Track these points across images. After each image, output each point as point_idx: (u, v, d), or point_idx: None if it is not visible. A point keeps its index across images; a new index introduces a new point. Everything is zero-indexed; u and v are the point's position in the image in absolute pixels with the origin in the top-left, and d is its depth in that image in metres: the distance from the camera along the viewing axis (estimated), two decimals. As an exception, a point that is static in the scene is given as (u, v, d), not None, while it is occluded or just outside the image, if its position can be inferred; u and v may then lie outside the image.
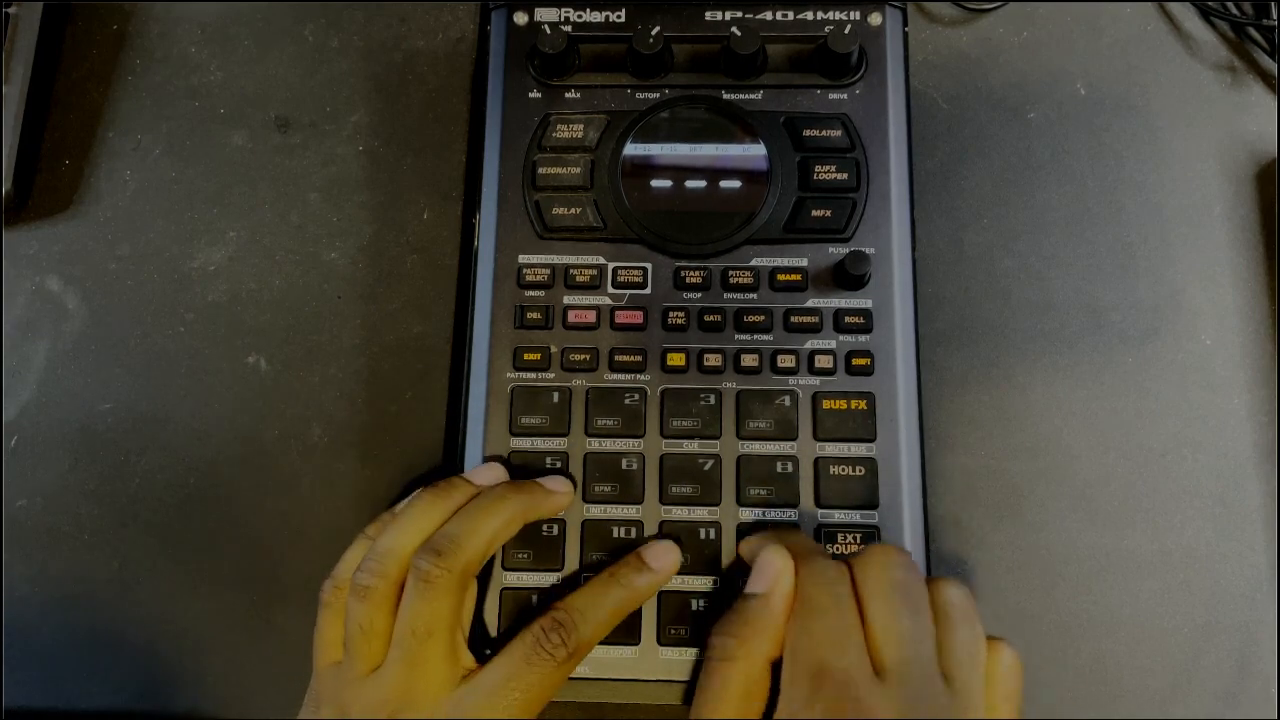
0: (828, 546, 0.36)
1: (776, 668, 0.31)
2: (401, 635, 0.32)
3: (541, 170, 0.40)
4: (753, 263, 0.39)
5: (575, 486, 0.37)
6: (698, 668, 0.35)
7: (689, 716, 0.32)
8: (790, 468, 0.36)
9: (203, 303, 0.43)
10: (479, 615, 0.36)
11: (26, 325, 0.43)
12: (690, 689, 0.35)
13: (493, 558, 0.36)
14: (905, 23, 0.41)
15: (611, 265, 0.39)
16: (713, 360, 0.38)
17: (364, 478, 0.41)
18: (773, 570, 0.32)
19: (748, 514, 0.36)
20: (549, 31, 0.39)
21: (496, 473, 0.36)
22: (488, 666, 0.32)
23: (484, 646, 0.35)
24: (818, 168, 0.39)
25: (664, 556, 0.35)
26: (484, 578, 0.36)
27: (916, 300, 0.38)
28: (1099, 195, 0.43)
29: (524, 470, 0.37)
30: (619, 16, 0.41)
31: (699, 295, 0.38)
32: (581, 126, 0.40)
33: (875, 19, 0.41)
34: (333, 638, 0.34)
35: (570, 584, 0.36)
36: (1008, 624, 0.38)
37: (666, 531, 0.36)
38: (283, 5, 0.46)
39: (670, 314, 0.38)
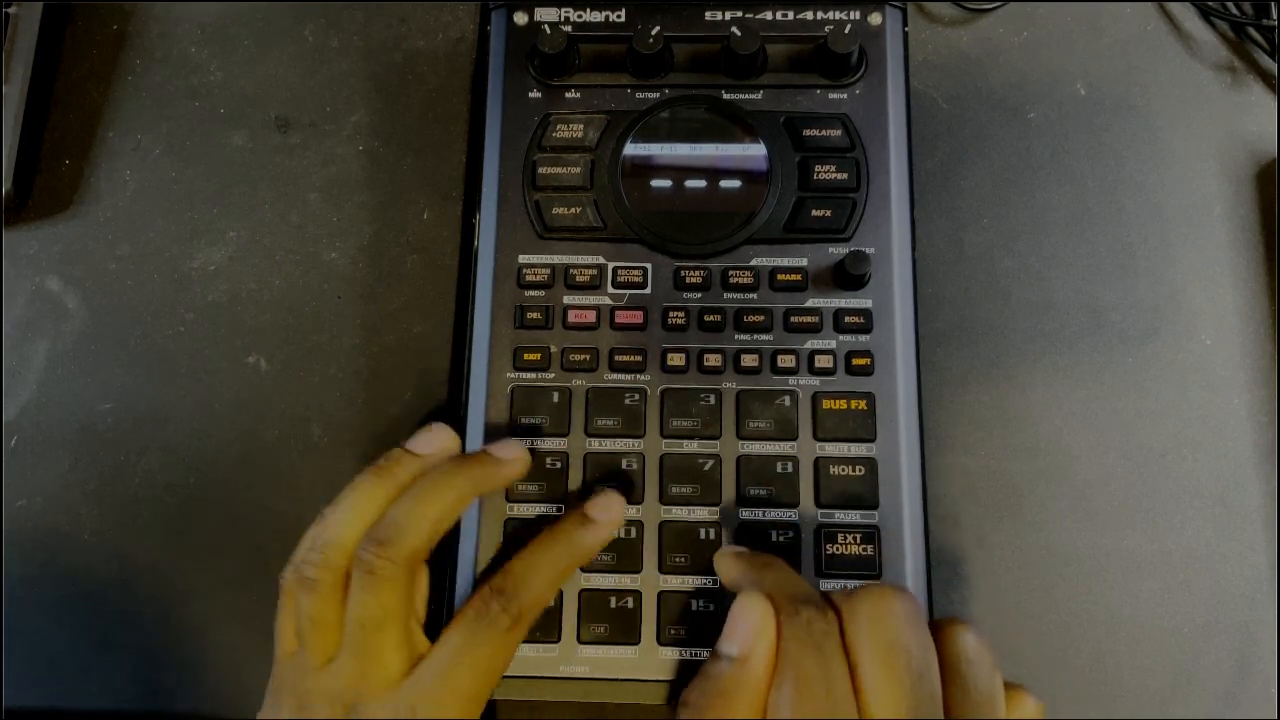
0: (827, 547, 0.36)
1: None
2: (351, 628, 0.31)
3: (541, 170, 0.40)
4: (753, 263, 0.39)
5: (535, 457, 0.36)
6: (686, 669, 0.35)
7: None
8: (790, 468, 0.36)
9: (203, 303, 0.43)
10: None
11: (26, 325, 0.43)
12: (676, 690, 0.35)
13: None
14: (905, 23, 0.41)
15: (611, 265, 0.39)
16: (713, 360, 0.38)
17: (364, 478, 0.40)
18: (750, 628, 0.28)
19: (748, 514, 0.36)
20: (549, 31, 0.39)
21: (442, 438, 0.34)
22: (434, 648, 0.31)
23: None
24: (818, 168, 0.39)
25: (609, 508, 0.34)
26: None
27: (916, 300, 0.38)
28: (1099, 195, 0.43)
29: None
30: (619, 16, 0.41)
31: (699, 295, 0.38)
32: (581, 126, 0.40)
33: (875, 19, 0.41)
34: (291, 626, 0.32)
35: (570, 583, 0.36)
36: (1008, 624, 0.38)
37: (665, 529, 0.36)
38: (283, 5, 0.46)
39: (670, 314, 0.38)
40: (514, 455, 0.34)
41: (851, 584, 0.34)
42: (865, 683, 0.27)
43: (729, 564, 0.33)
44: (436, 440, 0.34)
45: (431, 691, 0.30)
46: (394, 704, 0.30)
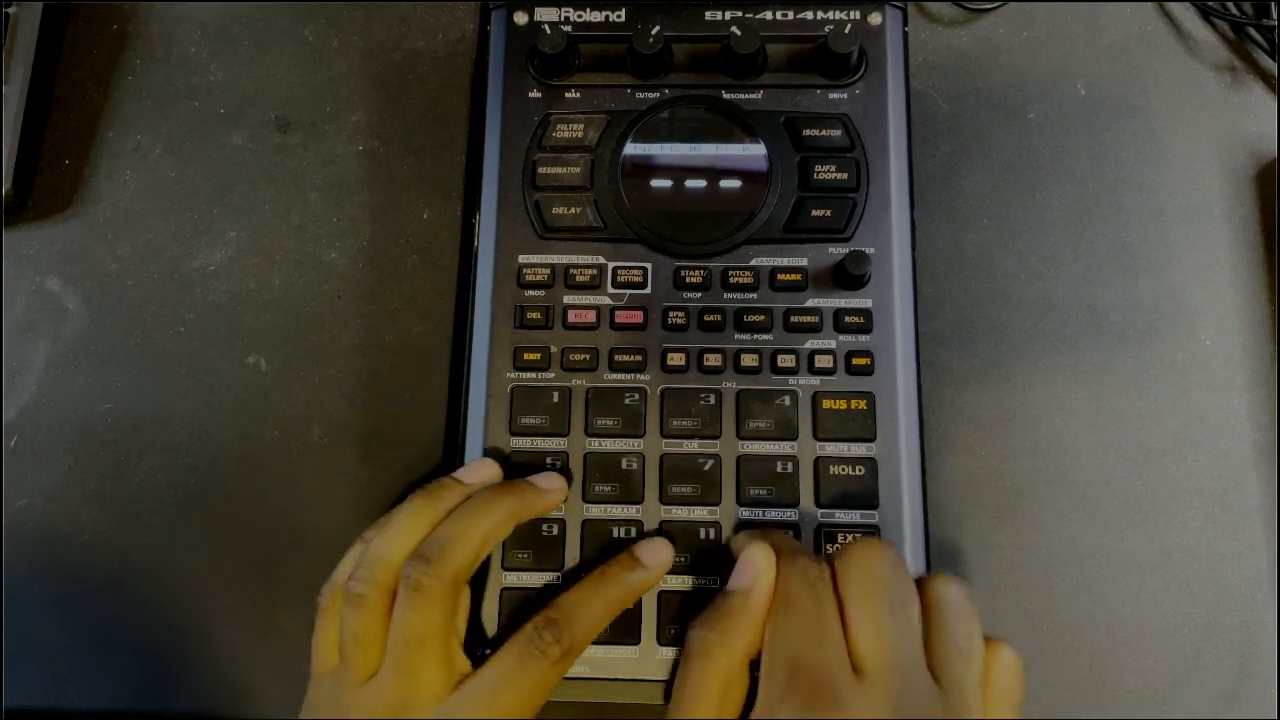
0: (827, 547, 0.36)
1: (756, 665, 0.31)
2: (395, 644, 0.32)
3: (541, 170, 0.40)
4: (753, 263, 0.39)
5: (571, 482, 0.37)
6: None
7: (667, 715, 0.31)
8: (790, 468, 0.36)
9: (203, 303, 0.43)
10: (477, 616, 0.36)
11: (26, 325, 0.43)
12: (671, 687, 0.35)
13: (490, 557, 0.36)
14: (905, 23, 0.41)
15: (611, 265, 0.39)
16: (713, 360, 0.38)
17: (364, 478, 0.41)
18: (754, 567, 0.32)
19: (748, 514, 0.36)
20: (549, 31, 0.39)
21: (488, 470, 0.36)
22: (483, 669, 0.32)
23: (482, 647, 0.35)
24: (818, 167, 0.39)
25: (657, 553, 0.35)
26: (480, 579, 0.36)
27: (916, 300, 0.38)
28: (1099, 195, 0.43)
29: (524, 470, 0.37)
30: (619, 16, 0.41)
31: (699, 295, 0.38)
32: (581, 126, 0.40)
33: (875, 19, 0.41)
34: (330, 643, 0.34)
35: (570, 584, 0.36)
36: (1008, 624, 0.38)
37: (666, 531, 0.36)
38: (283, 5, 0.46)
39: (670, 314, 0.38)
40: (554, 486, 0.36)
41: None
42: (850, 615, 0.30)
43: (743, 538, 0.35)
44: (483, 471, 0.36)
45: (476, 709, 0.31)
46: (437, 718, 0.31)
